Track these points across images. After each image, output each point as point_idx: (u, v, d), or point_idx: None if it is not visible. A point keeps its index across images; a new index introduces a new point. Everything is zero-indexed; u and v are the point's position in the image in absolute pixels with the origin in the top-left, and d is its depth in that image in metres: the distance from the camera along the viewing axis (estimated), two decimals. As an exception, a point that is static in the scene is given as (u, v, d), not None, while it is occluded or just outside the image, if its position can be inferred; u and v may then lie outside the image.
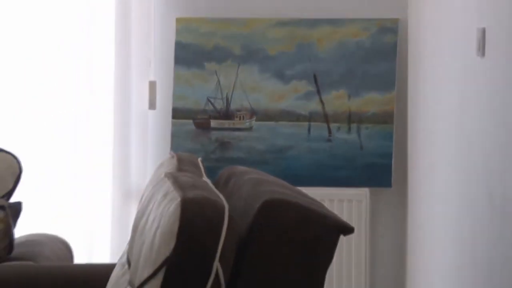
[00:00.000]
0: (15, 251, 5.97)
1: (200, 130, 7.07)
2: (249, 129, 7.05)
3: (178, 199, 3.68)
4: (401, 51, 7.11)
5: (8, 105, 7.34)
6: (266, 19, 7.08)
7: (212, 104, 7.07)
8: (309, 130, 7.07)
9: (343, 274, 7.01)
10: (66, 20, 7.33)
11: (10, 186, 6.39)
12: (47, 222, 7.00)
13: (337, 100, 7.05)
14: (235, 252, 3.71)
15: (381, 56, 7.05)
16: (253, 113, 7.07)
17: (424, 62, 6.83)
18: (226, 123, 7.09)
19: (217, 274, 3.61)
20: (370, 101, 7.05)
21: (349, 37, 7.07)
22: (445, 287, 6.44)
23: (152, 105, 7.18)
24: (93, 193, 7.21)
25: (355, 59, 7.06)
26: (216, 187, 4.29)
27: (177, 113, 7.10)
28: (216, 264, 3.61)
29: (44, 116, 7.29)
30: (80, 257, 6.79)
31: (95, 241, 7.18)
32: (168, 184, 4.08)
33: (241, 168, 4.95)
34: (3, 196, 6.20)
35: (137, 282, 3.80)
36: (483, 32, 5.48)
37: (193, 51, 7.07)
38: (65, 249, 6.32)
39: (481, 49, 5.52)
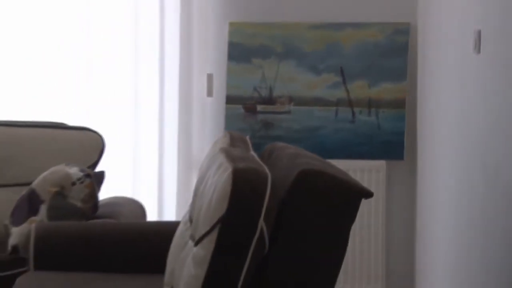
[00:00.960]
0: (100, 211, 6.10)
1: (248, 113, 7.19)
2: (288, 112, 7.18)
3: (230, 169, 3.88)
4: (411, 49, 7.25)
5: (99, 93, 7.43)
6: (302, 23, 7.23)
7: (258, 92, 7.20)
8: (336, 113, 7.21)
9: (363, 232, 7.05)
10: (145, 27, 7.33)
11: (95, 159, 6.52)
12: (125, 188, 7.10)
13: (359, 89, 7.19)
14: (276, 212, 3.80)
15: (395, 53, 7.19)
16: (291, 99, 7.19)
17: (430, 57, 6.98)
18: (269, 108, 7.22)
19: (261, 230, 3.76)
20: (386, 90, 7.19)
21: (369, 37, 7.21)
22: (447, 238, 6.44)
23: (209, 93, 7.33)
24: (162, 165, 7.38)
25: (374, 56, 7.21)
26: (261, 159, 4.50)
27: (230, 100, 7.26)
28: (261, 222, 3.74)
29: (126, 102, 7.43)
30: (152, 216, 6.89)
31: (164, 203, 7.33)
32: (222, 157, 4.26)
33: (281, 144, 5.09)
34: (89, 167, 6.34)
35: (197, 236, 4.02)
36: (479, 33, 5.59)
37: (242, 49, 7.21)
38: (140, 209, 6.46)
39: (477, 47, 5.64)
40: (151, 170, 7.39)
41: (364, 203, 3.97)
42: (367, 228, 7.07)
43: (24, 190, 6.01)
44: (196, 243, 4.00)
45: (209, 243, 3.88)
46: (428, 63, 7.04)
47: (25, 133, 6.55)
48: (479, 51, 5.54)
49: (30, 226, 5.61)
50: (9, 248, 5.83)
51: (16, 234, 5.82)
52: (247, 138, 5.07)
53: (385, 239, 7.26)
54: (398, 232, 7.34)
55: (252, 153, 4.65)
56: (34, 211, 5.89)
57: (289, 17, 7.22)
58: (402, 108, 7.20)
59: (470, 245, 5.83)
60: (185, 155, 7.32)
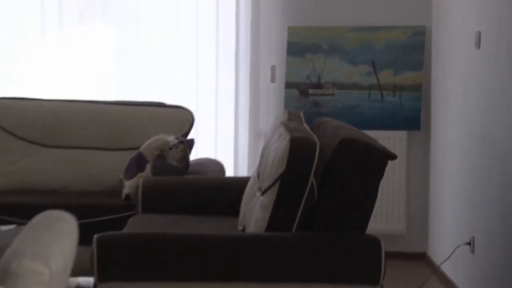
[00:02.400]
0: (190, 168, 6.15)
1: (301, 96, 7.20)
2: (332, 95, 7.17)
3: (288, 138, 3.98)
4: (426, 46, 7.23)
5: (192, 79, 7.40)
6: (343, 27, 7.21)
7: (309, 79, 7.20)
8: (369, 95, 7.19)
9: (389, 185, 7.03)
10: (224, 30, 7.30)
11: (187, 130, 6.53)
12: (210, 151, 7.10)
13: (386, 76, 7.18)
14: (323, 170, 3.82)
15: (414, 49, 7.18)
16: (334, 85, 7.18)
17: (441, 52, 7.01)
18: (318, 91, 7.21)
19: (312, 184, 3.83)
20: (407, 77, 7.16)
21: (394, 37, 7.18)
22: (453, 188, 6.42)
23: (273, 80, 7.34)
24: (237, 134, 7.39)
25: (398, 51, 7.18)
26: (312, 130, 4.54)
27: (288, 85, 7.26)
28: (311, 178, 3.78)
29: (211, 86, 7.40)
30: (229, 172, 6.92)
31: (239, 163, 7.33)
32: (282, 128, 4.32)
33: (326, 119, 5.14)
34: (182, 135, 6.35)
35: (263, 188, 4.10)
36: (479, 33, 5.73)
37: (298, 47, 7.21)
38: (220, 167, 6.48)
39: (477, 44, 5.75)
40: (229, 138, 7.39)
41: (390, 163, 4.01)
42: (392, 183, 7.05)
43: (134, 153, 6.07)
44: (263, 193, 4.07)
45: (272, 193, 3.95)
46: (439, 56, 7.05)
47: (136, 110, 6.59)
48: (479, 48, 5.68)
49: (139, 180, 5.69)
50: (123, 196, 5.92)
51: (128, 186, 5.91)
52: (301, 114, 5.09)
53: (405, 190, 7.24)
54: (415, 185, 7.29)
55: (305, 125, 4.68)
56: (141, 168, 5.96)
57: (334, 22, 7.19)
58: (419, 91, 7.17)
59: (471, 192, 5.88)
60: (254, 127, 7.34)
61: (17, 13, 7.33)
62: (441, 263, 6.45)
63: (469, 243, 5.84)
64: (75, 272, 2.62)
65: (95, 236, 3.93)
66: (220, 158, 6.99)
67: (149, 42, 7.38)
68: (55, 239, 1.49)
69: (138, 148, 6.11)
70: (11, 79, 7.32)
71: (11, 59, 7.37)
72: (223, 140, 7.40)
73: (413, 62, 7.19)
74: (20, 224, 5.11)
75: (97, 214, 5.70)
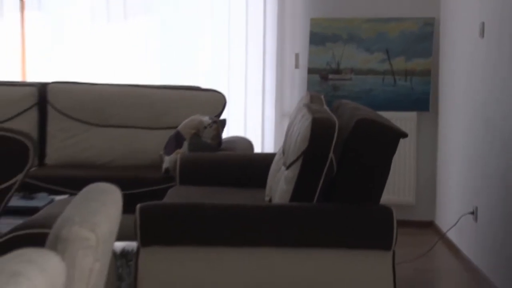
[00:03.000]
0: (223, 145, 6.14)
1: (322, 80, 7.18)
2: (350, 79, 7.16)
3: (310, 118, 3.98)
4: (435, 35, 7.20)
5: (224, 66, 7.38)
6: (360, 18, 7.20)
7: (329, 65, 7.18)
8: (383, 80, 7.16)
9: (401, 160, 7.02)
10: (253, 21, 7.25)
11: (220, 111, 6.55)
12: (240, 130, 7.09)
13: (399, 63, 7.15)
14: (342, 147, 3.82)
15: (424, 38, 7.15)
16: (352, 70, 7.16)
17: (448, 41, 7.00)
18: (337, 76, 7.19)
19: (331, 160, 3.83)
20: (417, 64, 7.13)
21: (406, 28, 7.16)
22: (457, 161, 6.42)
23: (297, 66, 7.32)
24: (264, 114, 7.36)
25: (409, 40, 7.16)
26: (331, 111, 4.51)
27: (310, 71, 7.24)
28: (331, 154, 3.77)
29: (241, 72, 7.35)
30: (257, 149, 6.90)
31: (265, 140, 7.31)
32: (305, 110, 4.31)
33: (345, 101, 5.13)
34: (215, 116, 6.31)
35: (288, 163, 4.13)
36: (482, 24, 5.72)
37: (319, 36, 7.20)
38: (249, 144, 6.49)
39: (481, 33, 5.73)
40: (257, 118, 7.37)
41: (401, 141, 4.00)
42: (403, 158, 7.03)
43: (172, 132, 6.10)
44: (287, 168, 4.09)
45: (296, 168, 3.96)
46: (447, 45, 7.02)
47: (174, 93, 6.60)
48: (482, 36, 5.69)
49: (177, 155, 5.72)
50: (163, 170, 5.95)
51: (167, 161, 5.93)
52: (322, 97, 5.09)
53: (415, 165, 7.21)
54: (424, 160, 7.27)
55: (325, 107, 4.67)
56: (179, 145, 5.98)
57: (351, 14, 7.17)
58: (428, 76, 7.13)
59: (474, 167, 5.90)
60: (280, 108, 7.32)
61: (66, 4, 7.35)
62: (447, 231, 6.48)
63: (472, 213, 5.85)
64: (120, 238, 2.64)
65: (138, 205, 3.95)
66: (249, 136, 6.98)
67: (187, 34, 7.34)
68: (101, 208, 1.50)
69: (176, 127, 6.12)
70: (67, 66, 7.32)
71: (68, 48, 7.37)
72: (252, 120, 7.39)
73: (423, 50, 7.16)
74: (72, 194, 5.14)
75: (139, 186, 5.74)
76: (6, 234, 3.40)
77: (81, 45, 7.35)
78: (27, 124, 6.47)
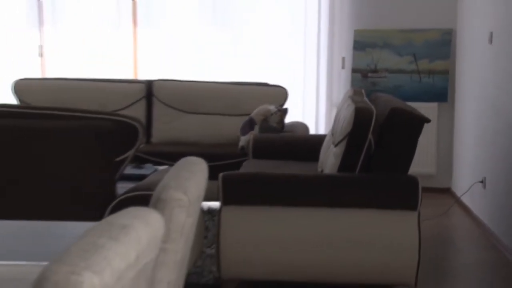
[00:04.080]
0: (285, 128, 6.10)
1: (363, 78, 7.11)
2: (385, 77, 7.08)
3: (353, 107, 3.93)
4: (452, 42, 7.06)
5: (288, 66, 7.31)
6: (393, 29, 7.09)
7: (369, 66, 7.11)
8: (410, 77, 7.06)
9: (423, 141, 6.95)
10: (310, 31, 7.18)
11: (283, 101, 6.53)
12: (298, 116, 7.04)
13: (423, 64, 7.06)
14: (378, 130, 3.78)
15: (443, 45, 7.05)
16: (386, 70, 7.07)
17: (463, 47, 6.88)
18: (374, 75, 7.11)
19: (370, 140, 3.77)
20: (438, 64, 7.03)
21: (430, 37, 7.06)
22: (469, 143, 6.35)
23: (343, 67, 7.25)
24: (318, 104, 7.26)
25: (432, 46, 7.06)
26: (370, 102, 4.41)
27: (354, 70, 7.16)
28: (370, 135, 3.72)
29: (300, 71, 7.29)
30: (312, 131, 6.88)
31: (319, 124, 7.26)
32: (349, 101, 4.28)
33: (380, 94, 5.08)
34: (280, 105, 6.30)
35: (336, 142, 4.07)
36: (491, 33, 5.68)
37: (361, 43, 7.12)
38: (305, 127, 6.50)
39: (490, 40, 5.67)
40: (312, 107, 7.27)
41: (425, 125, 3.96)
42: (426, 138, 6.93)
43: (246, 118, 6.10)
44: (335, 146, 4.06)
45: (342, 146, 3.94)
46: (462, 49, 6.89)
47: (248, 88, 6.58)
48: (491, 43, 5.62)
49: (250, 136, 5.72)
50: (239, 147, 5.95)
51: (242, 140, 5.94)
52: (362, 91, 5.04)
53: (436, 143, 7.12)
54: (443, 140, 7.18)
55: (365, 98, 4.62)
56: (252, 128, 5.99)
57: (386, 26, 7.08)
58: (447, 74, 7.02)
59: (483, 145, 5.81)
60: (330, 99, 7.23)
61: (165, 19, 7.36)
62: (461, 196, 6.46)
63: (481, 181, 5.81)
64: (206, 199, 2.65)
65: (220, 174, 3.97)
66: (305, 121, 6.93)
67: (260, 43, 7.29)
68: (191, 176, 1.50)
69: (249, 114, 6.14)
70: (168, 67, 7.32)
71: (168, 53, 7.38)
72: (308, 109, 7.31)
73: (443, 54, 7.04)
74: (170, 165, 5.19)
75: (221, 159, 5.75)
76: (121, 195, 3.44)
77: (178, 50, 7.35)
78: (138, 112, 6.54)
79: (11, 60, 7.38)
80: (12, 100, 6.69)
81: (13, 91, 6.64)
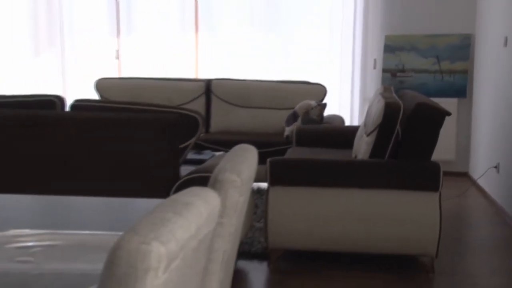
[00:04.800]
0: (324, 120, 6.07)
1: (392, 77, 7.04)
2: (411, 76, 7.00)
3: (383, 102, 3.88)
4: (471, 46, 6.94)
5: (327, 66, 7.24)
6: (418, 34, 7.00)
7: (397, 67, 7.03)
8: (434, 77, 6.96)
9: (444, 131, 6.88)
10: (346, 35, 7.13)
11: (322, 97, 6.55)
12: (335, 110, 7.01)
13: (445, 65, 6.96)
14: (405, 122, 3.75)
15: (463, 49, 6.94)
16: (413, 70, 6.99)
17: (481, 50, 6.76)
18: (402, 74, 7.02)
19: (397, 131, 3.71)
20: (459, 65, 6.93)
21: (451, 41, 6.96)
22: (485, 133, 6.27)
23: (375, 67, 7.19)
24: (353, 99, 7.23)
25: (453, 49, 6.95)
26: (398, 98, 4.36)
27: (384, 70, 7.08)
28: (398, 127, 3.69)
29: (336, 71, 7.23)
30: (347, 123, 6.86)
31: (353, 116, 7.22)
32: (380, 96, 4.23)
33: (407, 90, 5.03)
34: (319, 100, 6.26)
35: (368, 132, 4.01)
36: (506, 37, 5.59)
37: (390, 47, 7.05)
38: (341, 120, 6.45)
39: (505, 44, 5.56)
40: (347, 102, 7.22)
41: (446, 118, 3.92)
42: (447, 129, 6.87)
43: (290, 111, 6.09)
44: (367, 135, 4.03)
45: (373, 135, 3.92)
46: (479, 52, 6.77)
47: (292, 85, 6.56)
48: (506, 46, 5.51)
49: (294, 127, 5.70)
50: (284, 136, 5.95)
51: (287, 130, 5.93)
52: (391, 88, 5.00)
53: (455, 133, 7.02)
54: (462, 130, 7.08)
55: (394, 95, 4.58)
56: (295, 120, 5.97)
57: (412, 32, 6.99)
58: (466, 74, 6.91)
59: (496, 135, 5.73)
60: (363, 95, 7.16)
61: (223, 24, 7.37)
62: (477, 179, 6.41)
63: (495, 167, 5.75)
64: (256, 180, 2.66)
65: (268, 159, 3.98)
66: (342, 114, 6.90)
67: (303, 47, 7.25)
68: (244, 160, 1.50)
69: (293, 108, 6.13)
70: (224, 67, 7.31)
71: (224, 56, 7.37)
72: (344, 103, 7.25)
73: (463, 56, 6.92)
74: (225, 151, 5.23)
75: (269, 146, 5.76)
76: (184, 177, 3.46)
77: (232, 53, 7.34)
78: (198, 106, 6.60)
79: (93, 63, 7.50)
80: (94, 95, 6.85)
81: (95, 88, 6.76)
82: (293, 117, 6.03)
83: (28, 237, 1.67)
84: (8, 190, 3.40)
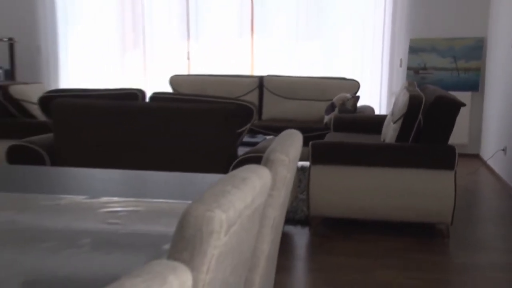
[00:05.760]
0: (357, 110, 5.98)
1: (415, 74, 6.90)
2: (431, 73, 6.85)
3: (408, 95, 3.78)
4: (484, 48, 6.72)
5: (362, 65, 7.16)
6: (438, 38, 6.84)
7: (420, 65, 6.88)
8: (451, 73, 6.79)
9: (460, 121, 6.73)
10: (376, 39, 6.99)
11: (356, 90, 6.39)
12: (366, 101, 6.94)
13: (461, 64, 6.78)
14: (426, 112, 3.67)
15: (477, 50, 6.74)
16: (433, 68, 6.84)
17: (492, 50, 6.56)
18: (424, 71, 6.87)
19: (419, 119, 3.62)
20: (473, 64, 6.75)
21: (466, 43, 6.77)
22: (494, 122, 6.12)
23: (400, 65, 7.06)
24: (381, 93, 7.12)
25: (468, 50, 6.76)
26: (420, 91, 4.26)
27: (408, 68, 6.93)
28: (420, 116, 3.61)
29: (368, 70, 7.10)
30: (377, 112, 6.77)
31: (381, 107, 7.13)
32: (405, 90, 4.14)
33: (428, 85, 4.89)
34: (354, 93, 6.18)
35: (394, 120, 3.90)
36: None
37: (414, 48, 6.90)
38: (372, 109, 6.32)
39: (512, 46, 5.29)
40: (377, 95, 7.07)
41: (462, 109, 3.84)
42: (462, 118, 6.76)
43: (329, 102, 6.04)
44: (394, 123, 3.97)
45: (399, 123, 3.85)
46: (490, 52, 6.57)
47: (330, 81, 6.50)
48: (512, 48, 5.28)
49: (332, 115, 5.64)
50: (324, 123, 5.90)
51: (326, 118, 5.87)
52: (415, 83, 4.91)
53: (469, 120, 6.85)
54: (474, 118, 6.93)
55: (417, 89, 4.50)
56: (333, 110, 5.91)
57: (433, 35, 6.85)
58: (479, 71, 6.72)
59: (505, 122, 5.61)
60: (390, 89, 7.04)
61: (273, 28, 7.34)
62: (487, 160, 6.29)
63: (503, 150, 5.62)
64: (300, 160, 2.65)
65: (310, 142, 3.96)
66: (372, 105, 6.85)
67: (339, 46, 7.17)
68: (291, 143, 1.49)
69: (331, 100, 6.08)
70: (275, 65, 7.30)
71: (275, 55, 7.33)
72: (374, 96, 7.12)
73: (476, 56, 6.73)
74: (275, 135, 5.24)
75: (311, 131, 5.72)
76: (240, 156, 3.47)
77: (282, 53, 7.29)
78: (253, 98, 6.61)
79: (168, 62, 7.55)
80: (168, 89, 6.93)
81: (170, 83, 6.82)
82: (331, 107, 5.97)
83: (116, 204, 1.71)
84: (100, 165, 3.48)
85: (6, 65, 7.51)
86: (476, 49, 6.77)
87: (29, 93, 5.38)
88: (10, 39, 7.39)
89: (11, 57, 7.40)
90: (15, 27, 7.63)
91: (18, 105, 5.25)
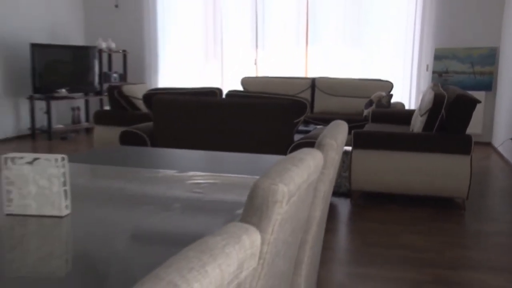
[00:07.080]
0: (391, 106, 5.77)
1: (439, 77, 6.63)
2: (452, 76, 6.55)
3: (433, 94, 3.62)
4: (497, 55, 6.34)
5: (393, 69, 6.90)
6: (459, 48, 6.54)
7: (443, 70, 6.58)
8: (469, 76, 6.47)
9: (476, 114, 6.42)
10: (407, 46, 6.72)
11: (389, 89, 6.16)
12: (398, 98, 6.70)
13: (477, 68, 6.45)
14: (448, 108, 3.52)
15: (491, 58, 6.38)
16: (454, 72, 6.54)
17: (503, 57, 6.18)
18: (446, 75, 6.57)
19: (442, 113, 3.47)
20: (487, 68, 6.41)
21: (482, 52, 6.43)
22: (504, 115, 5.81)
23: (427, 70, 6.78)
24: (411, 91, 6.87)
25: (483, 57, 6.41)
26: (443, 90, 4.08)
27: (434, 72, 6.66)
28: (443, 111, 3.47)
29: (399, 73, 6.84)
30: (407, 107, 6.55)
31: (411, 103, 6.88)
32: (430, 90, 3.98)
33: (450, 86, 4.67)
34: (388, 92, 5.97)
35: (421, 113, 3.73)
36: None
37: (438, 56, 6.62)
38: (402, 105, 6.10)
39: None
40: (407, 93, 6.80)
41: (478, 105, 3.64)
42: (478, 112, 6.47)
43: (367, 99, 5.88)
44: (421, 116, 3.82)
45: (425, 116, 3.71)
46: (502, 59, 6.18)
47: (368, 82, 6.32)
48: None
49: (370, 109, 5.48)
50: (363, 116, 5.74)
51: (365, 112, 5.71)
52: (439, 84, 4.70)
53: (483, 112, 6.52)
54: (487, 112, 6.60)
55: (440, 88, 4.31)
56: (371, 105, 5.75)
57: (455, 45, 6.54)
58: (492, 75, 6.37)
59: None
60: (418, 89, 6.76)
61: (326, 38, 7.18)
62: (498, 147, 6.00)
63: (511, 139, 5.30)
64: (345, 145, 2.59)
65: (353, 131, 3.87)
66: (403, 101, 6.63)
67: (376, 53, 6.94)
68: (339, 130, 1.44)
69: (369, 97, 5.92)
70: (324, 69, 7.17)
71: (326, 61, 7.21)
72: (405, 94, 6.86)
73: (490, 62, 6.37)
74: (324, 125, 5.17)
75: (353, 122, 5.59)
76: (296, 141, 3.44)
77: (330, 58, 7.15)
78: (306, 95, 6.51)
79: (240, 66, 7.56)
80: (240, 88, 6.95)
81: (241, 83, 6.84)
82: (370, 103, 5.81)
83: (200, 177, 1.71)
84: (187, 147, 3.54)
85: (120, 70, 7.90)
86: (490, 57, 6.39)
87: (136, 91, 5.54)
88: (123, 51, 7.72)
89: (124, 64, 7.73)
90: (128, 42, 7.90)
91: (128, 100, 5.41)
